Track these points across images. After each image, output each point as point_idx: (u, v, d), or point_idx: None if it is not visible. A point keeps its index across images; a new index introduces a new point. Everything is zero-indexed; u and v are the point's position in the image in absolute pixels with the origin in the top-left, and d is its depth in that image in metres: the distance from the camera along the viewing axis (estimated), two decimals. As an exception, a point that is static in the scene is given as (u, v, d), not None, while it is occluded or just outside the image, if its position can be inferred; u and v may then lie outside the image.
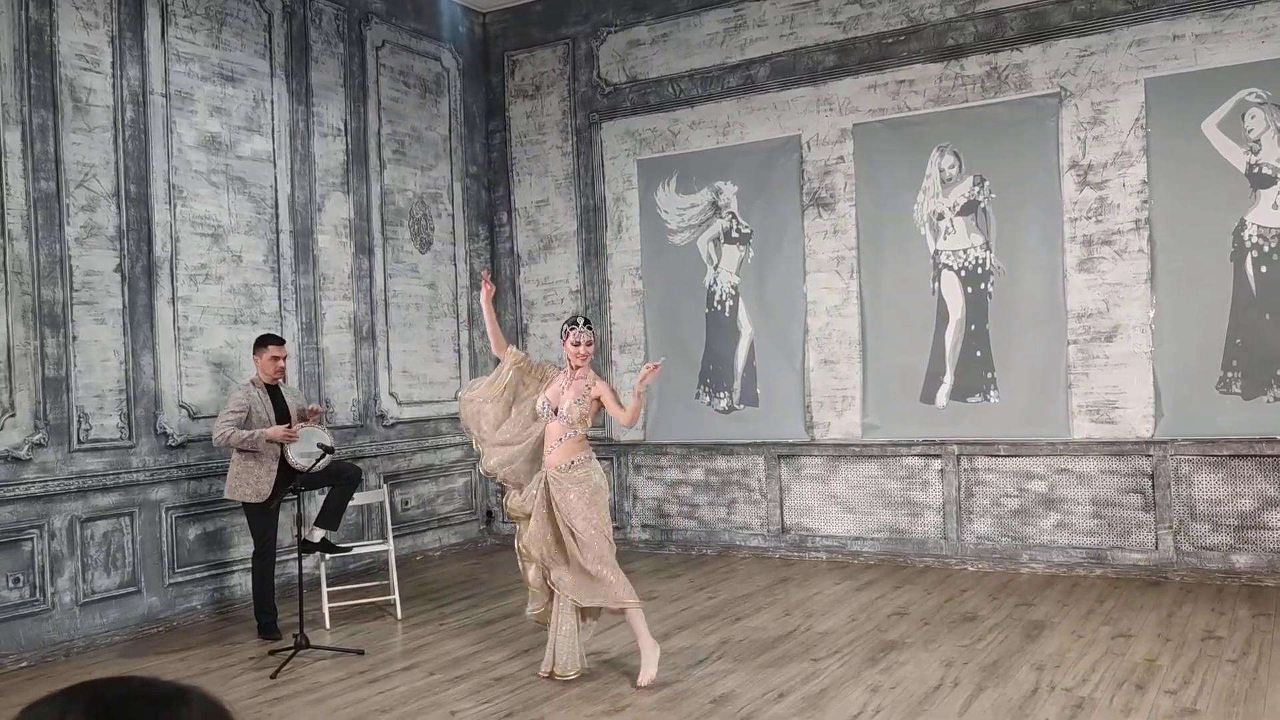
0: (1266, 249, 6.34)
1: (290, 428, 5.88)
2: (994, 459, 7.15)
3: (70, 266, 6.02)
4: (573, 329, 5.02)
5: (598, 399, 4.94)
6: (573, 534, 4.81)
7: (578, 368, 5.01)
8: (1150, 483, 6.67)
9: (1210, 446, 6.50)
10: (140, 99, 6.41)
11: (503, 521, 9.08)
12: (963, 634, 5.52)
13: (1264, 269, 6.35)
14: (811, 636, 5.61)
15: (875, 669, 4.97)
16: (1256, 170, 6.36)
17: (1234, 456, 6.45)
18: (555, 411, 4.91)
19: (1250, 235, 6.38)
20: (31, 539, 5.77)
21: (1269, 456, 6.34)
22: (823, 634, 5.65)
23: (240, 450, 5.89)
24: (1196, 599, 6.06)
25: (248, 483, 5.88)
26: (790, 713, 4.41)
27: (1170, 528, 6.61)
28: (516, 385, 5.14)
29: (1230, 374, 6.44)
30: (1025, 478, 7.05)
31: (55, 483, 5.86)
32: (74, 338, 6.02)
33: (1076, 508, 6.89)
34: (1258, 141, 6.35)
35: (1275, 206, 6.31)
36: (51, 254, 5.92)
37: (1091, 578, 6.72)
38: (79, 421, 6.02)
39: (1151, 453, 6.66)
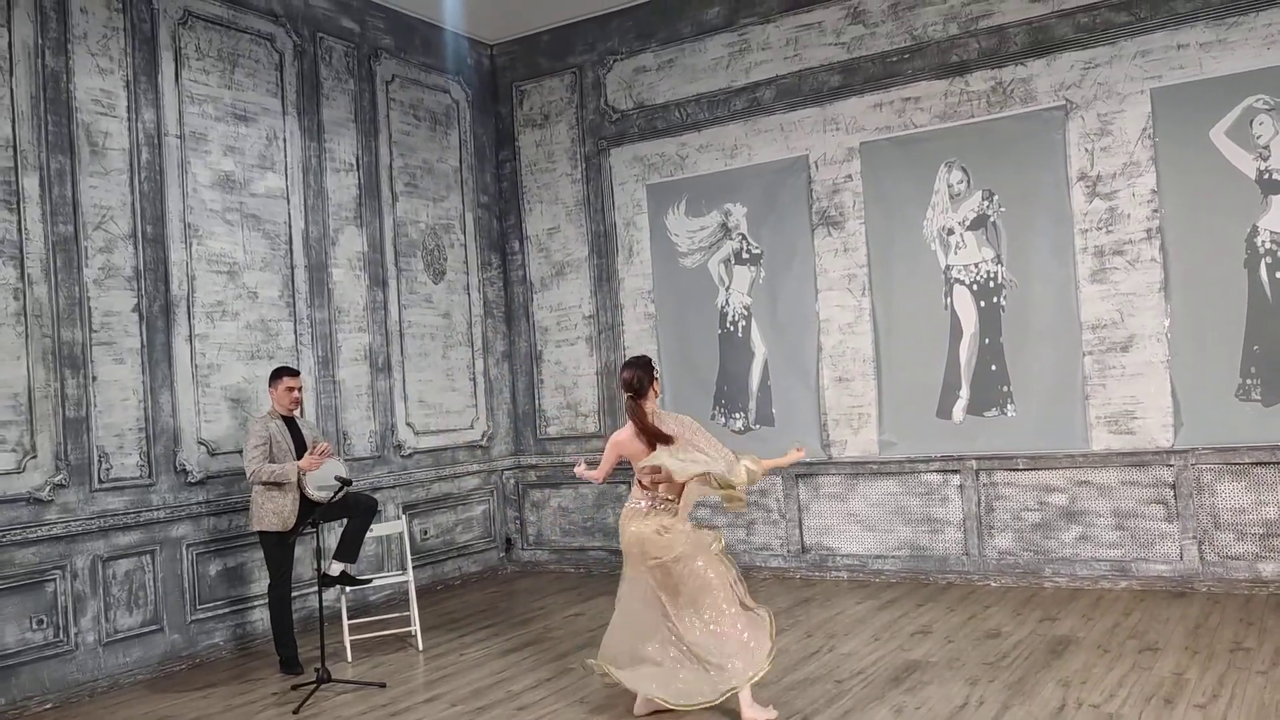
0: (1280, 254, 6.31)
1: (313, 452, 5.93)
2: (1013, 473, 7.11)
3: (89, 308, 6.09)
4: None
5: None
6: None
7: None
8: (1172, 493, 6.61)
9: (1232, 455, 6.44)
10: (155, 141, 6.51)
11: (521, 549, 9.08)
12: (987, 651, 5.48)
13: (1278, 274, 6.31)
14: (835, 658, 5.57)
15: (899, 689, 4.94)
16: (1267, 176, 6.34)
17: (1256, 464, 6.39)
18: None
19: (1264, 241, 6.35)
20: (54, 579, 5.81)
21: (1291, 463, 6.28)
22: (846, 655, 5.61)
23: (265, 482, 5.92)
24: (1224, 609, 6.00)
25: (272, 512, 5.92)
26: (814, 735, 4.38)
27: (1194, 538, 6.54)
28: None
29: (1249, 381, 6.40)
30: (1045, 491, 7.00)
31: (77, 523, 5.91)
32: (94, 378, 6.08)
33: (1098, 520, 6.83)
34: (1267, 147, 6.33)
35: (1287, 212, 6.28)
36: (70, 296, 5.99)
37: (1116, 590, 6.66)
38: (99, 461, 6.08)
39: (1172, 462, 6.61)
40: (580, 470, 4.92)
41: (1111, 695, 4.63)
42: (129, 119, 6.38)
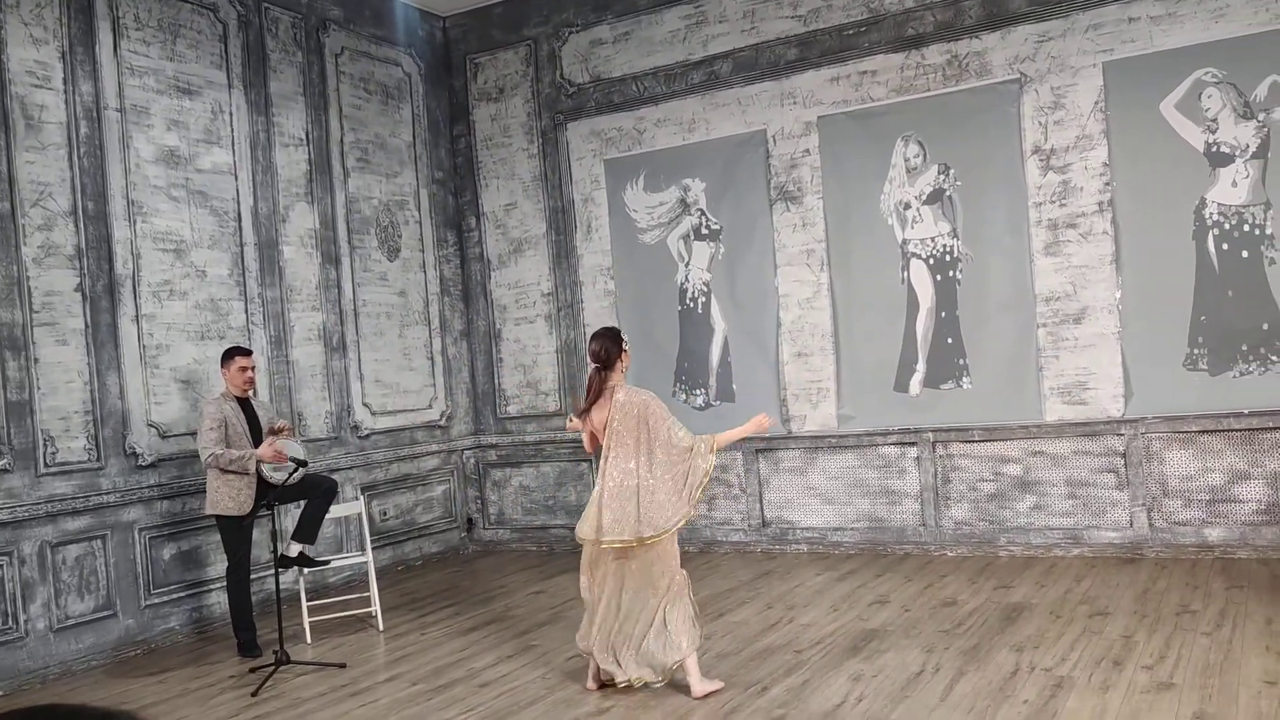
0: (1227, 226, 6.41)
1: (272, 444, 5.82)
2: (969, 444, 7.19)
3: (29, 287, 5.93)
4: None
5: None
6: None
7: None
8: (1123, 461, 6.73)
9: (1180, 423, 6.56)
10: (94, 114, 6.33)
11: (483, 529, 9.05)
12: (943, 619, 5.55)
13: (1225, 246, 6.42)
14: (794, 628, 5.62)
15: (857, 658, 4.99)
16: (1215, 149, 6.43)
17: (1203, 432, 6.51)
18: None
19: (1211, 214, 6.45)
20: (1, 566, 5.68)
21: (1237, 431, 6.41)
22: (805, 625, 5.66)
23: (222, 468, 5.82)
24: (1171, 574, 6.12)
25: (228, 495, 5.82)
26: (773, 706, 4.41)
27: (1143, 505, 6.67)
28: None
29: (1196, 351, 6.51)
30: (1000, 462, 7.10)
31: (23, 508, 5.77)
32: (36, 360, 5.93)
33: (1052, 489, 6.94)
34: (1215, 120, 6.41)
35: (1234, 184, 6.38)
36: (9, 275, 5.83)
37: (1068, 558, 6.77)
38: (45, 445, 5.94)
39: (1123, 432, 6.72)
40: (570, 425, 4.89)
41: (1063, 659, 4.71)
42: (66, 91, 6.19)
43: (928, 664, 4.81)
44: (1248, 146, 6.34)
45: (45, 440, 5.94)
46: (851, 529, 7.58)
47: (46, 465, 5.94)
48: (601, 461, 4.72)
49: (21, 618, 5.73)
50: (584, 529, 4.66)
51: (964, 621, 5.48)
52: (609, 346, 4.73)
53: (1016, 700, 4.24)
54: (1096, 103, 6.74)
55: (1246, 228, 6.36)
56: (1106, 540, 6.77)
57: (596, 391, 4.71)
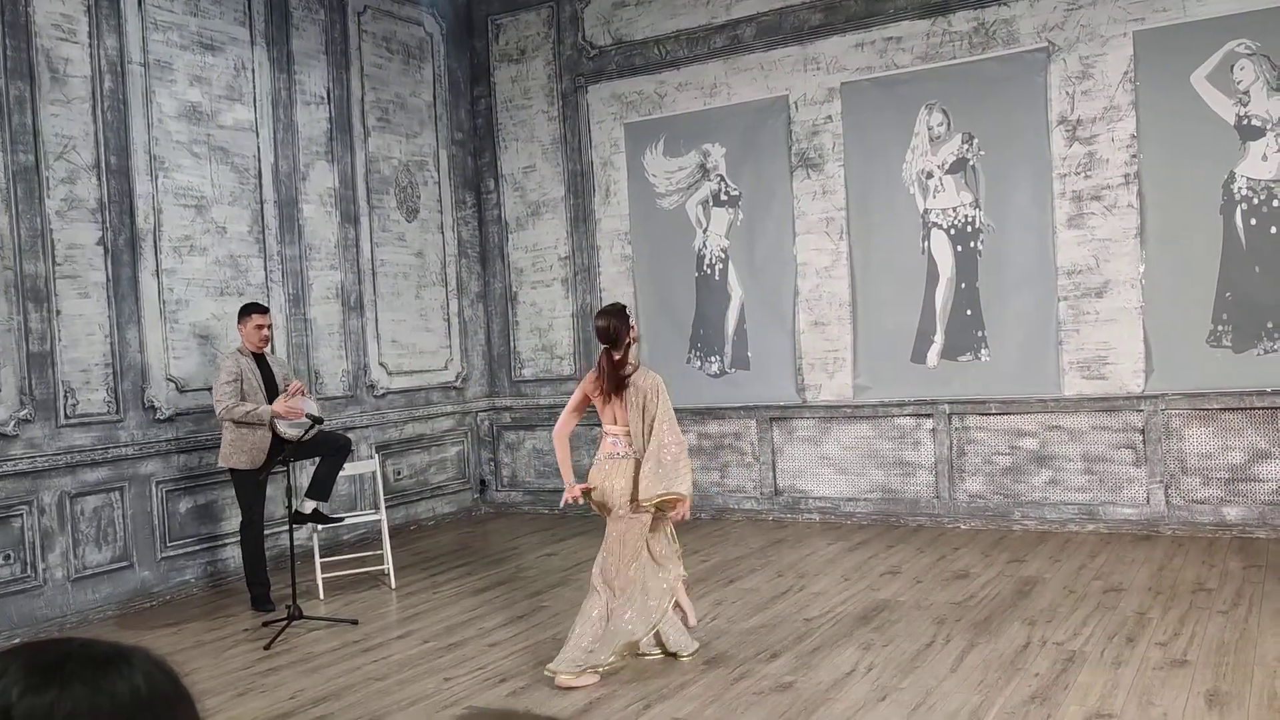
0: (1256, 201, 6.31)
1: (286, 399, 5.86)
2: (985, 417, 7.15)
3: (52, 240, 5.95)
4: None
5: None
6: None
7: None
8: (1141, 438, 6.68)
9: (1201, 400, 6.50)
10: (118, 69, 6.32)
11: (496, 490, 9.09)
12: (955, 591, 5.55)
13: (1253, 221, 6.32)
14: (805, 597, 5.63)
15: (868, 627, 4.99)
16: (1245, 122, 6.31)
17: (1224, 410, 6.45)
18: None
19: (1240, 188, 6.34)
20: (21, 515, 5.74)
21: (1259, 409, 6.35)
22: (816, 594, 5.66)
23: (236, 421, 5.86)
24: (1187, 552, 6.09)
25: (242, 450, 5.86)
26: (782, 672, 4.43)
27: (1161, 482, 6.62)
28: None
29: (1220, 327, 6.43)
30: (1017, 435, 7.06)
31: (43, 458, 5.83)
32: (58, 312, 5.96)
33: (1068, 464, 6.90)
34: (1246, 93, 6.30)
35: (1264, 158, 6.27)
36: (32, 228, 5.85)
37: (1083, 534, 6.75)
38: (65, 397, 5.99)
39: (1142, 408, 6.67)
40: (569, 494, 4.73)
41: (1075, 634, 4.70)
42: (91, 45, 6.18)
43: (938, 635, 4.81)
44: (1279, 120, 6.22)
45: (66, 392, 5.99)
46: (865, 499, 7.57)
47: (66, 417, 5.99)
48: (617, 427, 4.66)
49: (40, 566, 5.81)
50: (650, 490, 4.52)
51: (976, 594, 5.47)
52: (616, 325, 4.59)
53: (1028, 673, 4.23)
54: (1126, 73, 6.62)
55: (1276, 203, 6.25)
56: (1122, 517, 6.73)
57: (609, 375, 4.62)
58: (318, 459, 6.20)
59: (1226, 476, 6.46)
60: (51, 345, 5.93)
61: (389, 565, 6.49)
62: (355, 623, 5.62)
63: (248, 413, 5.78)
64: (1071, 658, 4.38)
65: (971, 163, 7.11)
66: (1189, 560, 5.90)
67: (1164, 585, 5.42)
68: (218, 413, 5.86)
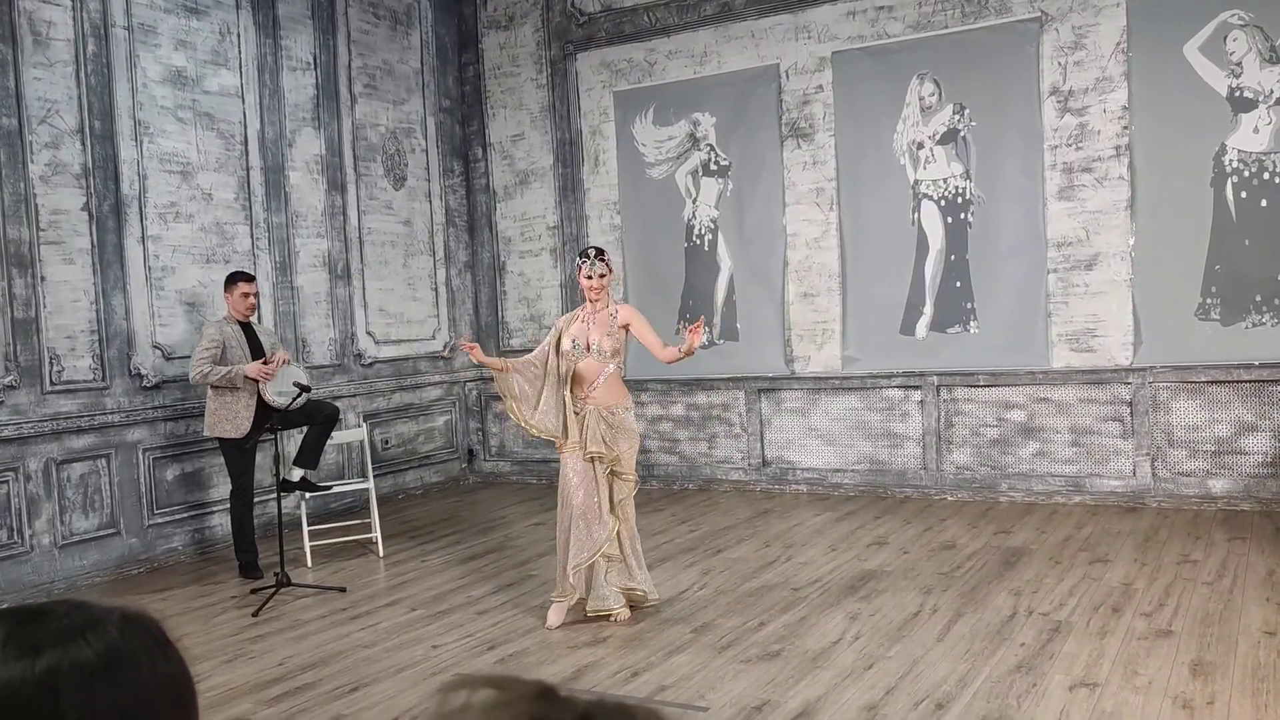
0: (1247, 174, 6.30)
1: (266, 363, 5.83)
2: (973, 389, 7.17)
3: (36, 205, 5.88)
4: (584, 262, 4.85)
5: (625, 326, 4.85)
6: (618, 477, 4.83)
7: (595, 300, 4.87)
8: (1129, 410, 6.71)
9: (1188, 373, 6.53)
10: (102, 32, 6.22)
11: (484, 460, 9.08)
12: (941, 562, 5.58)
13: (1244, 194, 6.32)
14: (792, 567, 5.65)
15: (854, 597, 5.02)
16: (1238, 94, 6.30)
17: (1211, 383, 6.48)
18: (587, 348, 4.78)
19: (1231, 160, 6.34)
20: (7, 482, 5.71)
21: (1246, 382, 6.38)
22: (803, 564, 5.69)
23: (217, 387, 5.84)
24: (1173, 524, 6.14)
25: (226, 419, 5.84)
26: (770, 640, 4.45)
27: (1148, 454, 6.66)
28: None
29: (1209, 300, 6.45)
30: (1004, 407, 7.08)
31: (29, 425, 5.79)
32: (42, 278, 5.90)
33: (1055, 436, 6.93)
34: (1239, 64, 6.28)
35: (1256, 131, 6.26)
36: (16, 192, 5.77)
37: (1070, 505, 6.79)
38: (50, 363, 5.94)
39: (1130, 380, 6.69)
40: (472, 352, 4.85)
41: (1061, 604, 4.74)
42: (73, 8, 6.07)
43: (925, 605, 4.84)
44: (1272, 92, 6.21)
45: (51, 358, 5.94)
46: (852, 471, 7.60)
47: (52, 383, 5.94)
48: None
49: (27, 533, 5.78)
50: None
51: (962, 565, 5.51)
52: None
53: (1013, 643, 4.27)
54: (1118, 43, 6.59)
55: (1267, 175, 6.25)
56: (1109, 489, 6.78)
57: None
58: (306, 427, 6.18)
59: (1213, 449, 6.50)
60: (36, 311, 5.87)
61: (377, 533, 6.49)
62: (343, 590, 5.62)
63: (224, 375, 5.75)
64: (1057, 628, 4.41)
65: (962, 133, 7.08)
66: (1174, 532, 5.95)
67: (1149, 557, 5.46)
68: (191, 378, 5.84)
